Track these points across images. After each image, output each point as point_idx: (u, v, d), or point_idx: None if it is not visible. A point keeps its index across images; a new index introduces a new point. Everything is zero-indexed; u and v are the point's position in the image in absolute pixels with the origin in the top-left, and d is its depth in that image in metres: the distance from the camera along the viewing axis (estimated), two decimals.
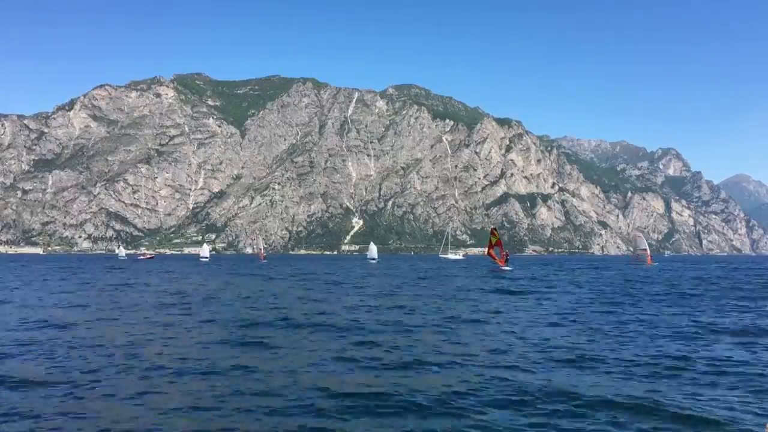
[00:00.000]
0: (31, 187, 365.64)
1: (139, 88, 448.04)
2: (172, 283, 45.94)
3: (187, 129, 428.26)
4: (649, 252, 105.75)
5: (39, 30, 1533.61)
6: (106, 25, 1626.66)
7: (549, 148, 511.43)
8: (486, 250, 79.90)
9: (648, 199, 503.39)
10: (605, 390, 10.78)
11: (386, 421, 9.14)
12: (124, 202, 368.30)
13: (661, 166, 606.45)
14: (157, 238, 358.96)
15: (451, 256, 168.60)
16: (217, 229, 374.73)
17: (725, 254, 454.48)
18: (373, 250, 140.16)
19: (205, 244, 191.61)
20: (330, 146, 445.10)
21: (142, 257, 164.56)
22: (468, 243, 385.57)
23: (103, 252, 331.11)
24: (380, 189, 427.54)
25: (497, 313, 23.72)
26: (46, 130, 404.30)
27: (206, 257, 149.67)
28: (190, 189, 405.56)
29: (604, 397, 10.21)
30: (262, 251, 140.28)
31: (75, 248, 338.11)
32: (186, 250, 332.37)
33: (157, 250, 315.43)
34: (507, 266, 72.84)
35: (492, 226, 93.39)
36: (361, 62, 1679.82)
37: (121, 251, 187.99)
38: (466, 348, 15.33)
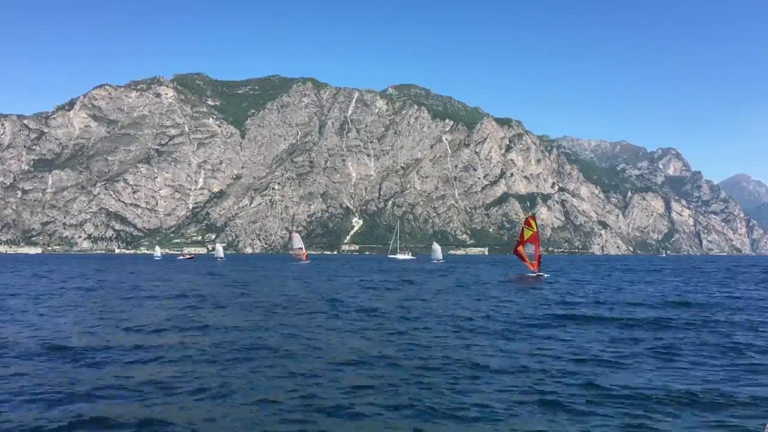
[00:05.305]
0: (31, 187, 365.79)
1: (139, 88, 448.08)
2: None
3: (187, 129, 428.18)
4: None
5: (39, 30, 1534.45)
6: (106, 25, 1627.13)
7: (549, 148, 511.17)
8: (517, 247, 56.25)
9: (648, 199, 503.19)
10: None
11: None
12: (124, 202, 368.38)
13: (661, 166, 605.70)
14: (157, 238, 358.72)
15: (399, 256, 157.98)
16: (217, 229, 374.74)
17: (725, 254, 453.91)
18: (437, 250, 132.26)
19: (219, 245, 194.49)
20: (330, 146, 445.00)
21: (182, 257, 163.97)
22: (468, 243, 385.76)
23: (103, 252, 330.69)
24: (380, 189, 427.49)
25: None
26: (46, 130, 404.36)
27: (221, 257, 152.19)
28: (190, 189, 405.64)
29: None
30: (304, 251, 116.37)
31: (75, 248, 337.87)
32: (186, 250, 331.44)
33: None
34: (540, 272, 55.23)
35: (530, 214, 67.98)
36: (361, 62, 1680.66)
37: (157, 251, 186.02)
38: None
